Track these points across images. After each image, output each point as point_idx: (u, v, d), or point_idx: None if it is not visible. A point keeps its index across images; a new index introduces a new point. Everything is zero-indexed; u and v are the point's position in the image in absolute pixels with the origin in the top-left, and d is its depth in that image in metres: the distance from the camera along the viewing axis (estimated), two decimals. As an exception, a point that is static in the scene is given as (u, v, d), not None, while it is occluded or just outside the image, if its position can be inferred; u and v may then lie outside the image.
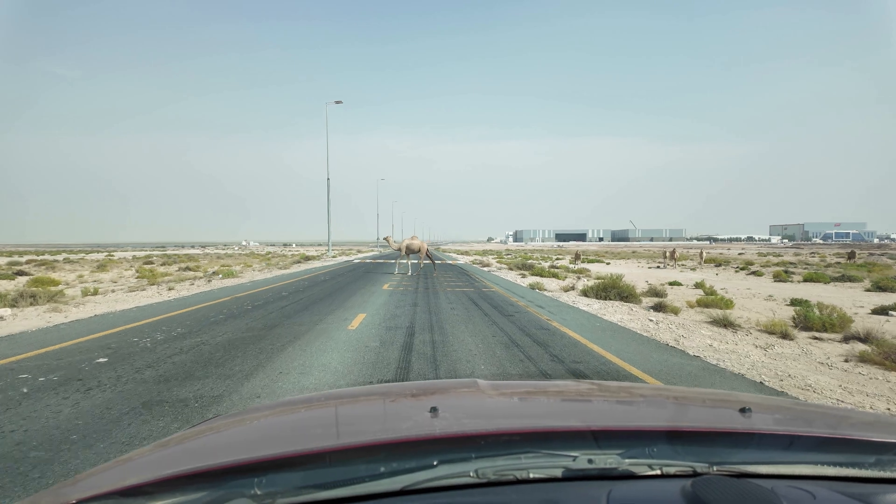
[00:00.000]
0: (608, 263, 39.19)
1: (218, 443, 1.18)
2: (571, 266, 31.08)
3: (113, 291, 14.16)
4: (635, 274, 25.79)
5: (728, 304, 12.52)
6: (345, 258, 42.92)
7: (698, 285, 18.42)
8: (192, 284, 16.10)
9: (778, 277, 23.66)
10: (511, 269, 26.73)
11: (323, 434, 1.16)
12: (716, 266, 35.17)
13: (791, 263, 37.00)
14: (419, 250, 22.23)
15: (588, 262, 39.08)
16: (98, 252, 70.12)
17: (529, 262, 31.38)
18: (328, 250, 49.57)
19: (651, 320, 9.24)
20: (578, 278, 22.43)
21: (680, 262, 35.25)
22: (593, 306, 11.19)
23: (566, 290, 14.96)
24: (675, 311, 10.50)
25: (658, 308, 11.03)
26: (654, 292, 14.34)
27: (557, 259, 44.86)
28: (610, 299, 12.63)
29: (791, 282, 21.90)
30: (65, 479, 1.20)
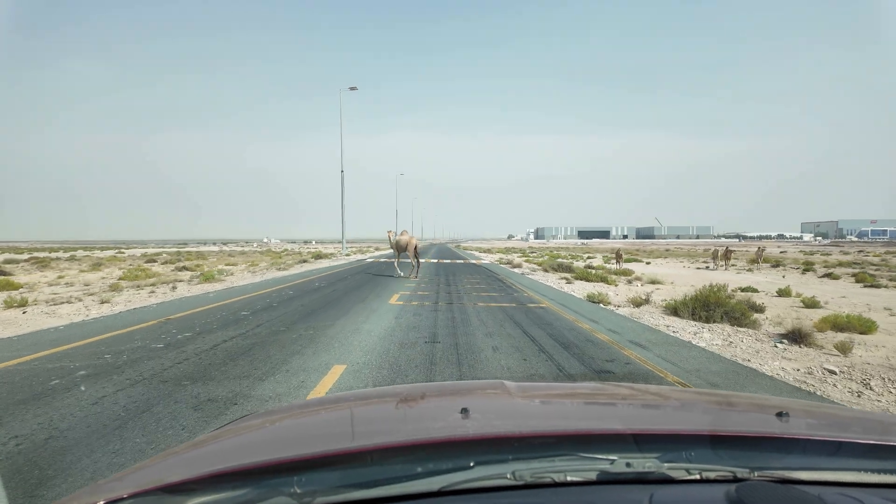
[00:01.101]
0: (648, 263, 34.91)
1: (254, 441, 1.17)
2: (609, 266, 27.02)
3: (48, 302, 10.80)
4: (686, 276, 21.67)
5: (870, 326, 8.58)
6: (359, 256, 39.24)
7: (782, 293, 14.38)
8: (152, 294, 12.62)
9: (863, 282, 19.51)
10: (546, 270, 22.66)
11: (359, 433, 1.18)
12: (772, 267, 30.71)
13: (855, 264, 32.42)
14: (406, 247, 18.08)
15: (625, 262, 34.80)
16: (112, 249, 68.16)
17: (562, 261, 27.23)
18: (342, 247, 46.01)
19: (832, 371, 5.37)
20: (630, 282, 18.47)
21: (731, 263, 30.64)
22: (705, 337, 7.29)
23: (637, 303, 10.93)
24: (842, 349, 6.53)
25: (796, 338, 7.10)
26: (749, 306, 10.31)
27: (589, 258, 40.75)
28: (714, 321, 8.71)
29: (884, 287, 17.73)
30: (108, 476, 1.01)
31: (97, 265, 28.03)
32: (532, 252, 54.38)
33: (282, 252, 52.64)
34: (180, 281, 16.26)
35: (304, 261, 26.55)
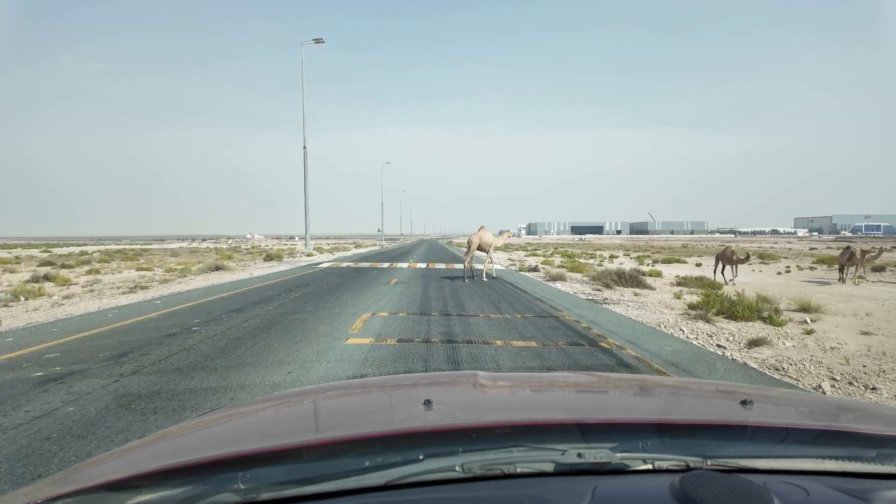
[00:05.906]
0: (699, 266, 25.66)
1: (206, 437, 1.12)
2: (653, 267, 18.05)
3: None
4: (818, 296, 12.52)
5: None
6: (323, 258, 30.15)
7: None
8: None
9: None
10: (608, 285, 13.24)
11: (310, 427, 1.14)
12: (873, 270, 21.19)
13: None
14: (469, 247, 15.59)
15: (661, 264, 25.81)
16: (58, 246, 58.78)
17: (620, 268, 17.90)
18: (306, 244, 36.65)
19: None
20: (776, 311, 9.56)
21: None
22: None
23: None
24: None
25: None
26: None
27: (612, 256, 32.02)
28: None
29: None
30: (55, 473, 1.04)
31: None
32: (537, 250, 45.57)
33: (250, 249, 44.61)
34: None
35: (219, 268, 17.01)
